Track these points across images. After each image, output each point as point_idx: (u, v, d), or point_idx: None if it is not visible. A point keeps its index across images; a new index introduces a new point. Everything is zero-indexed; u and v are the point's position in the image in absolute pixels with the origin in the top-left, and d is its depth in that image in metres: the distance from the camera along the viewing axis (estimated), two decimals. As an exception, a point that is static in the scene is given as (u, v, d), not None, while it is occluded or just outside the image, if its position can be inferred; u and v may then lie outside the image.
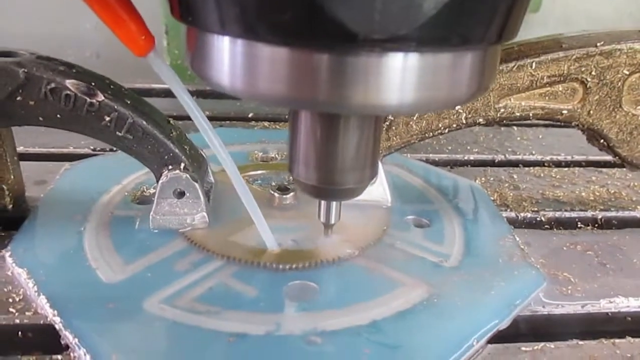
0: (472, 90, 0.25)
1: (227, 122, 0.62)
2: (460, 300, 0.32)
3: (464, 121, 0.39)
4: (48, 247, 0.34)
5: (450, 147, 0.57)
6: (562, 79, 0.38)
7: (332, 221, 0.34)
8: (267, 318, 0.29)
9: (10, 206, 0.39)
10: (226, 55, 0.23)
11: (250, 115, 0.64)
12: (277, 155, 0.50)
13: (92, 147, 0.52)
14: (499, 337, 0.31)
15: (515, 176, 0.51)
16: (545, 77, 0.38)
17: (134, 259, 0.34)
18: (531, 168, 0.53)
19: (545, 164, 0.55)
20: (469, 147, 0.58)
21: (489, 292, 0.33)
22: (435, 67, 0.23)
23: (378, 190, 0.41)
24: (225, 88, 0.24)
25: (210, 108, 0.64)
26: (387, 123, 0.39)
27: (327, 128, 0.27)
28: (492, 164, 0.55)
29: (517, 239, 0.39)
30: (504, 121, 0.40)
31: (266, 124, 0.61)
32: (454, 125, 0.39)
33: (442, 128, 0.39)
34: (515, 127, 0.65)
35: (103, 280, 0.32)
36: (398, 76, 0.22)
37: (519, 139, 0.61)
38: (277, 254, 0.34)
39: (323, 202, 0.33)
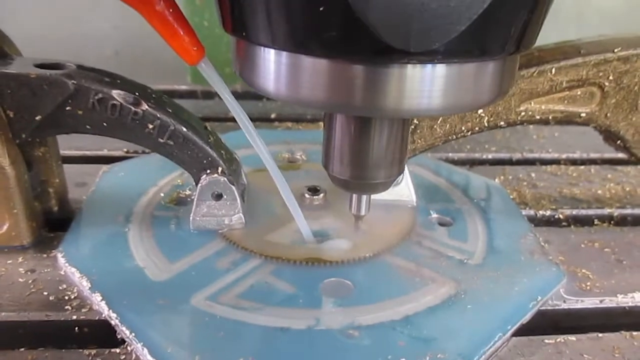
0: (493, 95, 0.27)
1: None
2: (485, 296, 0.34)
3: (486, 124, 0.41)
4: (97, 247, 0.37)
5: (469, 146, 0.59)
6: (580, 83, 0.40)
7: (363, 212, 0.36)
8: (307, 313, 0.31)
9: (56, 208, 0.42)
10: (272, 65, 0.26)
11: (273, 116, 0.66)
12: (302, 156, 0.52)
13: (125, 150, 0.54)
14: (523, 331, 0.33)
15: (533, 174, 0.53)
16: (564, 82, 0.40)
17: (177, 258, 0.36)
18: (548, 166, 0.55)
19: (562, 162, 0.57)
20: (487, 146, 0.59)
21: (512, 288, 0.35)
22: (459, 75, 0.25)
23: (404, 191, 0.43)
24: (270, 94, 0.27)
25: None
26: (412, 127, 0.41)
27: (360, 128, 0.30)
28: (510, 162, 0.57)
29: (538, 236, 0.41)
30: (524, 124, 0.41)
31: (289, 124, 0.63)
32: (477, 128, 0.41)
33: (465, 131, 0.41)
34: (531, 126, 0.66)
35: (151, 279, 0.34)
36: (427, 84, 0.25)
37: (535, 137, 0.63)
38: (310, 252, 0.37)
39: (354, 196, 0.36)
